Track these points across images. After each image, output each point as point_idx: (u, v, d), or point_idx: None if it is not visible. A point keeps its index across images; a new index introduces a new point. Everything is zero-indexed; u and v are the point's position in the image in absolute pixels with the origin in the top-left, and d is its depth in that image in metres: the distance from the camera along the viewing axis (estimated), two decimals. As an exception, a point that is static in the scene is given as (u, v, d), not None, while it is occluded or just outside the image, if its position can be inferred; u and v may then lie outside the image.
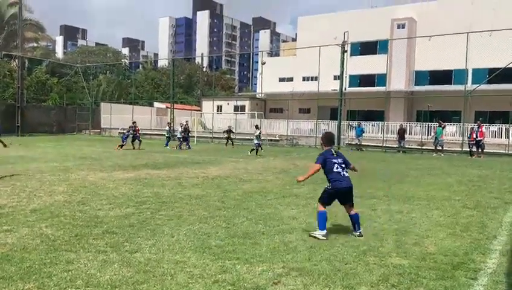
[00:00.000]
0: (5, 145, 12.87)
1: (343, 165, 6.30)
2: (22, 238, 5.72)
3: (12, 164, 14.61)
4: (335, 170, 6.20)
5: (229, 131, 28.76)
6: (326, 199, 6.25)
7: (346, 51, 31.08)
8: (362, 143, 28.02)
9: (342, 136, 29.89)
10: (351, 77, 39.55)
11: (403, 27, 39.56)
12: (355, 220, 6.28)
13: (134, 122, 25.52)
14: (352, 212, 6.32)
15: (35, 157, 17.26)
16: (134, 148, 23.56)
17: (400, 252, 5.42)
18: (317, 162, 6.24)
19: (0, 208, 7.51)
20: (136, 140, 24.27)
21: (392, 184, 11.68)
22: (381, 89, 37.95)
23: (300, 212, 7.68)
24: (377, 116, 33.98)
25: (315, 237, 5.97)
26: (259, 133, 22.93)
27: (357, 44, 38.83)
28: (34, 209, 7.53)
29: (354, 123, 30.47)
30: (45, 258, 4.87)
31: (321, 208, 6.20)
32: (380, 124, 30.73)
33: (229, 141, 28.29)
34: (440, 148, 24.92)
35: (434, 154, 24.44)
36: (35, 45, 52.22)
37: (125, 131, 25.08)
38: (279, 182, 11.72)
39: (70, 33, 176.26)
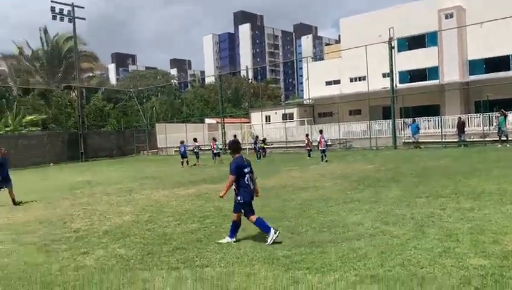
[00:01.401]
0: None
1: (251, 175, 6.57)
2: (99, 259, 6.01)
3: (80, 188, 15.44)
4: (246, 181, 6.45)
5: (263, 141, 28.64)
6: (239, 209, 6.44)
7: (393, 47, 30.23)
8: (419, 140, 26.99)
9: (397, 135, 28.97)
10: (400, 73, 38.33)
11: (451, 17, 37.89)
12: (261, 223, 6.35)
13: (195, 139, 26.10)
14: (254, 218, 6.39)
15: (101, 181, 18.13)
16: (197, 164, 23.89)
17: (478, 252, 5.14)
18: (232, 172, 6.44)
19: (75, 232, 7.95)
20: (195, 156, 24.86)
21: (459, 181, 11.13)
22: (434, 82, 36.51)
23: (365, 218, 7.49)
24: (432, 111, 32.65)
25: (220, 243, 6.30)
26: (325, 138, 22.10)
27: (403, 39, 37.64)
28: (106, 230, 7.90)
29: (409, 120, 29.47)
30: (122, 278, 5.07)
31: (235, 218, 6.46)
32: (437, 119, 29.47)
33: (261, 151, 27.58)
34: (505, 138, 23.50)
35: (499, 145, 23.07)
36: (90, 74, 55.34)
37: (194, 148, 25.63)
38: (338, 187, 11.53)
39: (121, 60, 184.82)
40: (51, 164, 34.35)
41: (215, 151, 25.88)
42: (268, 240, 6.10)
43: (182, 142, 25.71)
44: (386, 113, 32.84)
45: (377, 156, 22.29)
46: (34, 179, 21.65)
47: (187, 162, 23.92)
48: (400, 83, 37.09)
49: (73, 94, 43.56)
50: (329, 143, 31.35)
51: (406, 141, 28.45)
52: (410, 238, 5.96)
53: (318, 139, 21.85)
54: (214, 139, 27.40)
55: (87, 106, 46.04)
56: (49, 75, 49.38)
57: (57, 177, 21.96)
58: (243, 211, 6.44)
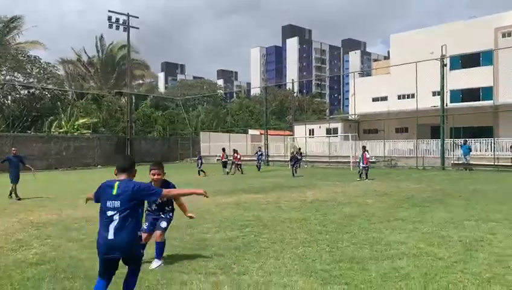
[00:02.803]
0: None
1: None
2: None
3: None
4: None
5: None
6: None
7: (445, 65, 29.34)
8: (470, 162, 25.86)
9: (446, 156, 27.93)
10: (452, 92, 37.11)
11: (509, 35, 36.41)
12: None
13: (223, 149, 27.19)
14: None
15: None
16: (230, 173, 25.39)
17: (531, 282, 4.82)
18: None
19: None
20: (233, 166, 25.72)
21: None
22: (488, 103, 35.10)
23: (409, 237, 7.24)
24: (484, 132, 31.27)
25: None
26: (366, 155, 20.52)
27: (457, 57, 36.52)
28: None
29: (459, 141, 28.33)
30: (161, 279, 5.16)
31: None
32: (490, 141, 28.18)
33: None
34: None
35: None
36: (141, 82, 57.40)
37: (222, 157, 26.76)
38: (382, 205, 11.23)
39: (171, 69, 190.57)
40: (99, 166, 35.75)
41: (237, 163, 26.54)
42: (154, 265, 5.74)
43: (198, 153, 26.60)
44: (435, 133, 31.81)
45: (423, 176, 21.56)
46: (83, 179, 22.57)
47: (198, 172, 24.93)
48: (451, 102, 35.88)
49: (124, 100, 45.25)
50: (373, 160, 30.68)
51: (455, 162, 27.35)
52: (457, 261, 5.68)
53: (361, 156, 20.56)
54: (234, 151, 27.44)
55: (136, 111, 47.65)
56: (102, 81, 51.65)
57: (104, 179, 22.73)
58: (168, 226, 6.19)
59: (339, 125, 44.13)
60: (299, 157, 26.29)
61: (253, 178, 22.18)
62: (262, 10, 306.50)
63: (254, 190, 15.67)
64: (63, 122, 39.92)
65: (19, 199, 13.61)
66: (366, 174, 20.01)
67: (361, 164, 20.31)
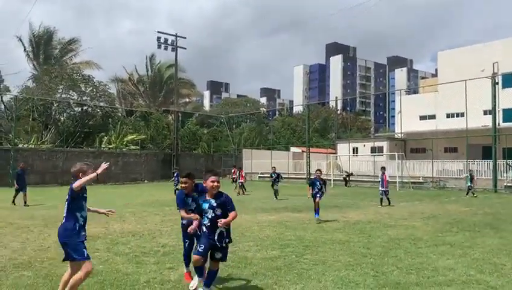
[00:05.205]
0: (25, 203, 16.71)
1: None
2: (182, 276, 6.26)
3: (170, 206, 16.26)
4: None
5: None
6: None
7: (497, 83, 28.14)
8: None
9: (498, 178, 26.59)
10: (504, 111, 35.45)
11: None
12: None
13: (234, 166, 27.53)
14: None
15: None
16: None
17: None
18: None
19: (163, 247, 8.38)
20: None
21: None
22: (545, 122, 33.22)
23: (458, 263, 6.93)
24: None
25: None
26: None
27: (509, 75, 34.95)
28: (190, 249, 8.19)
29: (511, 162, 26.92)
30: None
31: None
32: (547, 163, 26.57)
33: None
34: None
35: None
36: (187, 100, 58.98)
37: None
38: (429, 228, 10.83)
39: (216, 87, 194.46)
40: (146, 181, 36.80)
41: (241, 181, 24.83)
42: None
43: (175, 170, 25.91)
44: (486, 153, 30.39)
45: (473, 199, 20.61)
46: (131, 194, 23.30)
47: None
48: (504, 121, 34.27)
49: (171, 117, 46.56)
50: (421, 181, 29.73)
51: (508, 184, 25.97)
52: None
53: (381, 178, 17.42)
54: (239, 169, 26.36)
55: (182, 129, 48.81)
56: (151, 98, 53.54)
57: (150, 194, 23.40)
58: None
59: (384, 144, 43.10)
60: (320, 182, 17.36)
61: (296, 196, 22.02)
62: (308, 29, 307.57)
63: (297, 209, 15.57)
64: (112, 138, 41.53)
65: (27, 205, 16.32)
66: (388, 198, 17.18)
67: (380, 187, 17.40)
